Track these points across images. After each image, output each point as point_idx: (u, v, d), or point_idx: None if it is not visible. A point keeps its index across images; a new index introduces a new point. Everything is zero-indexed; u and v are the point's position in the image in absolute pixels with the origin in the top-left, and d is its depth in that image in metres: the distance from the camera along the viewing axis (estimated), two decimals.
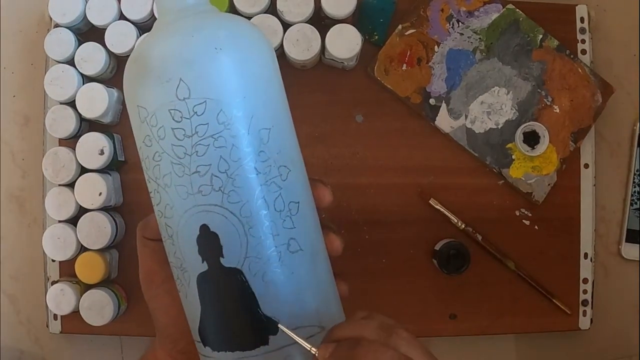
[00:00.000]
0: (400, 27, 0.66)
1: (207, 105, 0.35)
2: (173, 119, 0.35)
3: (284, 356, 0.36)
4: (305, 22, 0.61)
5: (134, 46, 0.62)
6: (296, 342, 0.36)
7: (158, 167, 0.36)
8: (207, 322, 0.37)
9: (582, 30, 0.68)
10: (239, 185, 0.35)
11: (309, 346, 0.35)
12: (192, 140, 0.35)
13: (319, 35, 0.61)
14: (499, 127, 0.66)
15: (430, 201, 0.66)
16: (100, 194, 0.61)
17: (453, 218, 0.66)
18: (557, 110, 0.66)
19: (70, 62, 0.62)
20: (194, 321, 0.38)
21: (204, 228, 0.36)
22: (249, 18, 0.61)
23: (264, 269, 0.36)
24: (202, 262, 0.36)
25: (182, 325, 0.39)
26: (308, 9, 0.61)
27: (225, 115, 0.35)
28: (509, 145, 0.66)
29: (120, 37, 0.62)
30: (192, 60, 0.35)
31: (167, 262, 0.40)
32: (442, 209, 0.66)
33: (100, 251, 0.62)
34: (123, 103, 0.63)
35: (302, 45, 0.61)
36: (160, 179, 0.36)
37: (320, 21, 0.63)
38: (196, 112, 0.35)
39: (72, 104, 0.62)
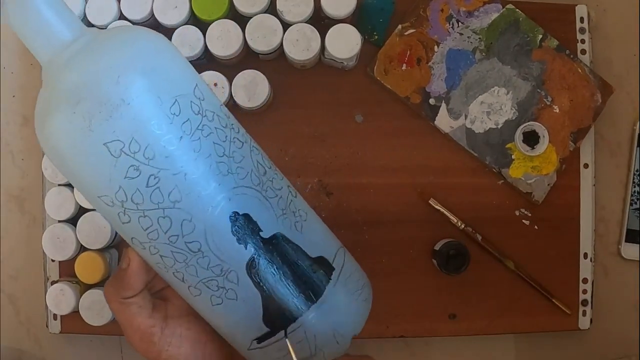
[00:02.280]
0: (400, 27, 0.66)
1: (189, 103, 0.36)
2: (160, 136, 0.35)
3: (348, 274, 0.41)
4: (305, 22, 0.61)
5: None
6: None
7: (158, 189, 0.35)
8: (272, 301, 0.38)
9: (582, 30, 0.68)
10: (239, 160, 0.37)
11: None
12: (191, 137, 0.35)
13: (318, 35, 0.61)
14: (499, 127, 0.66)
15: (430, 201, 0.66)
16: None
17: (453, 218, 0.66)
18: (557, 110, 0.66)
19: None
20: (256, 315, 0.38)
21: (235, 215, 0.36)
22: (249, 18, 0.61)
23: (292, 220, 0.39)
24: (246, 247, 0.36)
25: (220, 347, 0.41)
26: (308, 9, 0.61)
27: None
28: (509, 145, 0.66)
29: None
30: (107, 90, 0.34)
31: (155, 307, 0.40)
32: (441, 209, 0.66)
33: (100, 251, 0.62)
34: None
35: (302, 45, 0.61)
36: (165, 200, 0.35)
37: (320, 21, 0.63)
38: (174, 113, 0.36)
39: None
